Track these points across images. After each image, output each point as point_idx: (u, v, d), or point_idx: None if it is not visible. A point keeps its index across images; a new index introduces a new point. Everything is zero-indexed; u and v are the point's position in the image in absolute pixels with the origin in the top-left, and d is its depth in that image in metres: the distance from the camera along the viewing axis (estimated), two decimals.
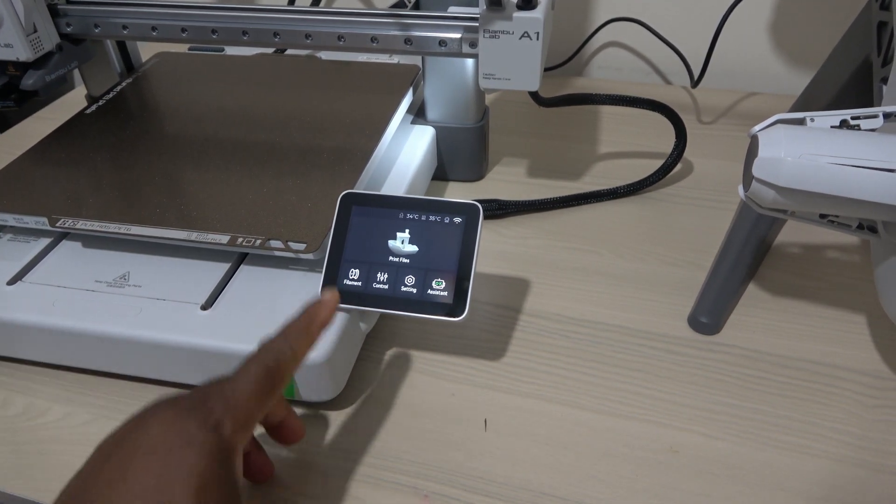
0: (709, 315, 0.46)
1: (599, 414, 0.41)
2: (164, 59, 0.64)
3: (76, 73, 0.59)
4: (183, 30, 0.52)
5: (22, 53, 0.50)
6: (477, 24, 0.46)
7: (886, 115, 0.34)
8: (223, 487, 0.27)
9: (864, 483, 0.37)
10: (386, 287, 0.39)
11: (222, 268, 0.43)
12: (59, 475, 0.39)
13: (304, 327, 0.32)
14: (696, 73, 0.68)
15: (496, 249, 0.53)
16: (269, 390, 0.30)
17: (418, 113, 0.59)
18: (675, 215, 0.56)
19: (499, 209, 0.56)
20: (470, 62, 0.54)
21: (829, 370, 0.43)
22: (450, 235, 0.39)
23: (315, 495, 0.37)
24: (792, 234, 0.53)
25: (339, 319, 0.39)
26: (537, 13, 0.44)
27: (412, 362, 0.45)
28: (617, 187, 0.58)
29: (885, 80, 0.39)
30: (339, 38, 0.50)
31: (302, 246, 0.41)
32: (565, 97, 0.56)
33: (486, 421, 0.41)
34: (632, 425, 0.40)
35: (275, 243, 0.41)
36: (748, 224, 0.50)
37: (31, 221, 0.44)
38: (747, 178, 0.35)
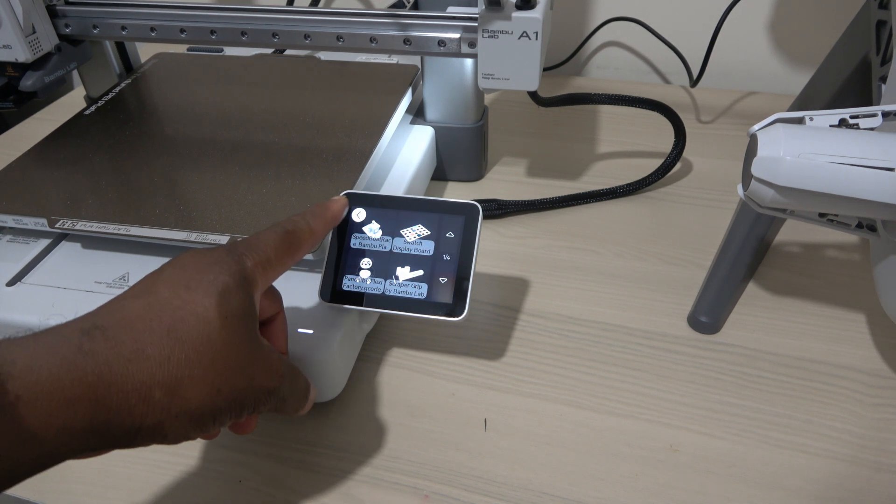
0: (708, 314, 0.46)
1: (599, 413, 0.41)
2: (162, 60, 0.64)
3: (75, 73, 0.59)
4: (182, 30, 0.52)
5: (21, 54, 0.50)
6: (476, 24, 0.46)
7: (885, 114, 0.34)
8: (241, 304, 0.29)
9: (863, 481, 0.37)
10: (386, 287, 0.39)
11: None
12: (59, 476, 0.39)
13: (319, 211, 0.37)
14: (695, 73, 0.68)
15: (496, 249, 0.53)
16: (287, 248, 0.33)
17: (417, 113, 0.59)
18: (674, 214, 0.56)
19: (498, 209, 0.56)
20: (469, 62, 0.54)
21: (829, 369, 0.43)
22: (449, 235, 0.39)
23: (315, 495, 0.37)
24: (791, 232, 0.53)
25: (340, 319, 0.39)
26: (536, 13, 0.44)
27: (412, 362, 0.45)
28: (616, 187, 0.58)
29: (883, 79, 0.39)
30: (338, 38, 0.50)
31: None
32: (564, 97, 0.56)
33: (486, 421, 0.41)
34: (632, 424, 0.40)
35: None
36: (747, 223, 0.50)
37: (30, 222, 0.44)
38: (746, 177, 0.35)
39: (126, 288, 0.42)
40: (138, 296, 0.28)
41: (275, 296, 0.35)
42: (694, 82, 0.68)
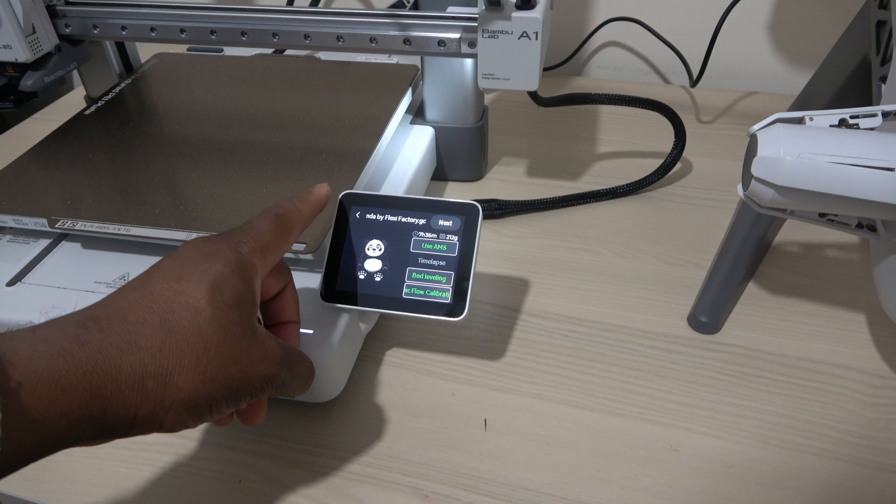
0: (708, 314, 0.46)
1: (599, 413, 0.41)
2: (162, 60, 0.64)
3: (75, 74, 0.59)
4: (182, 30, 0.52)
5: (21, 54, 0.50)
6: (476, 24, 0.46)
7: (885, 114, 0.34)
8: (235, 293, 0.29)
9: (863, 481, 0.37)
10: (386, 287, 0.39)
11: None
12: (59, 476, 0.39)
13: (305, 195, 0.36)
14: (696, 73, 0.68)
15: (496, 249, 0.53)
16: (281, 231, 0.33)
17: (417, 113, 0.59)
18: (674, 214, 0.56)
19: (498, 209, 0.56)
20: (469, 62, 0.54)
21: (829, 369, 0.43)
22: (449, 235, 0.39)
23: (315, 495, 0.37)
24: (791, 232, 0.53)
25: (340, 319, 0.39)
26: (536, 13, 0.44)
27: (412, 362, 0.45)
28: (616, 187, 0.58)
29: (883, 79, 0.39)
30: (338, 38, 0.50)
31: (301, 246, 0.41)
32: (564, 97, 0.56)
33: (485, 421, 0.41)
34: (632, 424, 0.40)
35: None
36: (747, 223, 0.50)
37: (30, 222, 0.44)
38: (746, 177, 0.35)
39: None
40: (134, 288, 0.29)
41: (281, 270, 0.36)
42: (694, 82, 0.68)
